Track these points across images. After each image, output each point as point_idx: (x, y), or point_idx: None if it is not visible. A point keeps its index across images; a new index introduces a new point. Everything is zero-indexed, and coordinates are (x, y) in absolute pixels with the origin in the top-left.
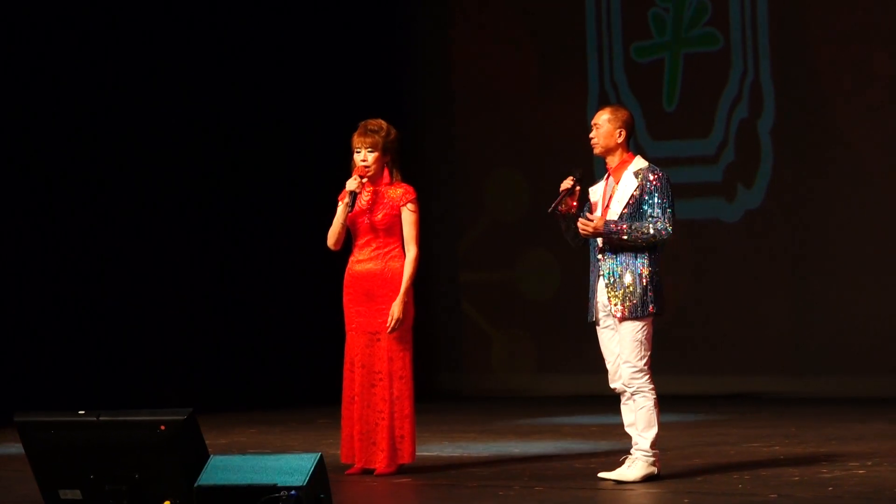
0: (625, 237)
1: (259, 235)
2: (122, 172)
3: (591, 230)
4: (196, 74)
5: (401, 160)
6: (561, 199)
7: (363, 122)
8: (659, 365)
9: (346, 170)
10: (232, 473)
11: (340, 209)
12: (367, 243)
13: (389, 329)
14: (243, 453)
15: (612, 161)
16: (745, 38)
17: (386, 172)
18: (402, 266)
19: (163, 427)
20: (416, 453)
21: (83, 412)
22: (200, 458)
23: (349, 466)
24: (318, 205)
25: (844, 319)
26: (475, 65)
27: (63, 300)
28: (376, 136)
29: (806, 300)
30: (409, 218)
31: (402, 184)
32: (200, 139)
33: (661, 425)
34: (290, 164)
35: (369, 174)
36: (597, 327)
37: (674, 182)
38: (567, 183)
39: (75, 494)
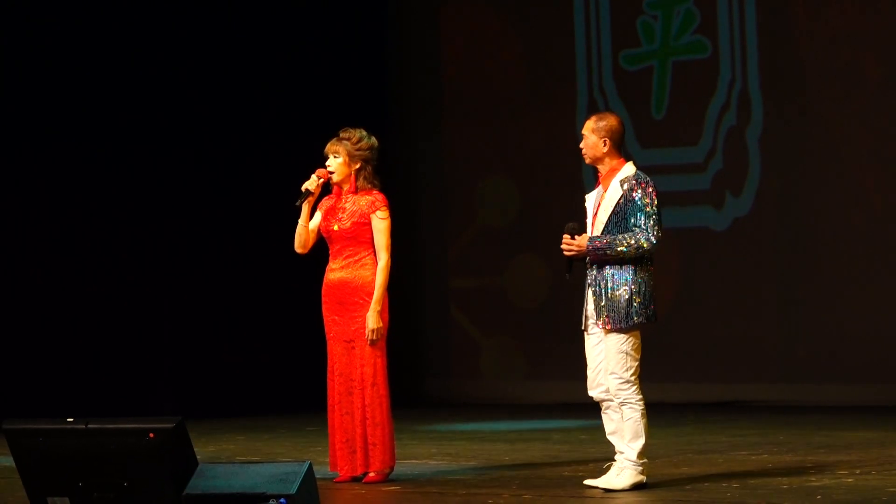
0: (609, 252)
1: (248, 242)
2: (111, 181)
3: (575, 250)
4: (179, 84)
5: (374, 169)
6: (571, 263)
7: (341, 130)
8: (647, 373)
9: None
10: (220, 482)
11: (302, 213)
12: (339, 252)
13: (369, 340)
14: (232, 461)
15: (603, 169)
16: (733, 45)
17: (352, 180)
18: (373, 274)
19: (152, 435)
20: (401, 460)
21: (72, 420)
22: (189, 466)
23: (337, 475)
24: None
25: (833, 328)
26: (465, 72)
27: (52, 307)
28: (343, 144)
29: (794, 308)
30: (378, 225)
31: (372, 191)
32: (188, 149)
33: (648, 435)
34: (278, 172)
35: (332, 178)
36: (585, 334)
37: (662, 190)
38: (567, 246)
39: (64, 502)
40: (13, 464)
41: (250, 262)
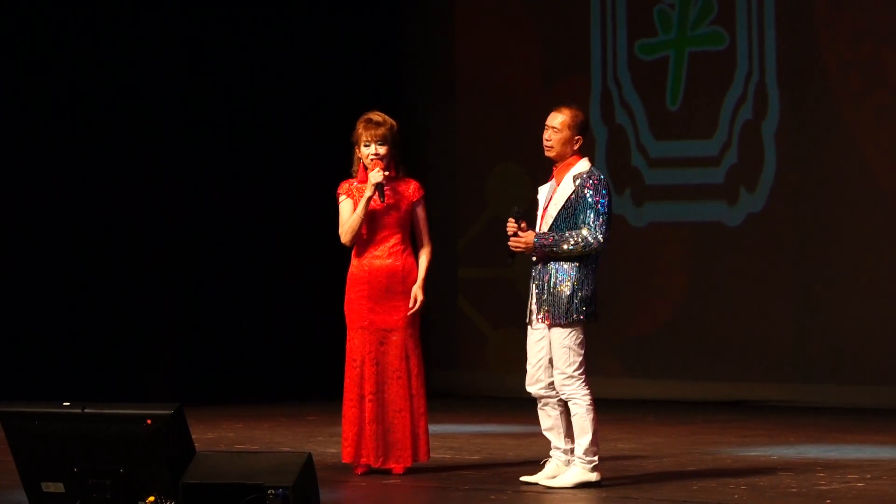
0: (555, 249)
1: (247, 230)
2: (113, 163)
3: (522, 246)
4: (193, 67)
5: (418, 160)
6: (513, 249)
7: (366, 116)
8: (656, 370)
9: (346, 164)
10: (218, 470)
11: (361, 203)
12: (385, 239)
13: (412, 311)
14: (230, 450)
15: (560, 163)
16: (751, 37)
17: (393, 166)
18: (415, 262)
19: (149, 421)
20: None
21: (68, 404)
22: (187, 453)
23: (349, 466)
24: (311, 199)
25: (847, 328)
26: (478, 59)
27: (50, 290)
28: (383, 129)
29: (807, 307)
30: (423, 214)
31: (410, 179)
32: (195, 132)
33: (597, 430)
34: (280, 156)
35: (385, 166)
36: (529, 328)
37: (675, 183)
38: (511, 228)
39: (58, 487)
40: (7, 447)
41: (251, 249)
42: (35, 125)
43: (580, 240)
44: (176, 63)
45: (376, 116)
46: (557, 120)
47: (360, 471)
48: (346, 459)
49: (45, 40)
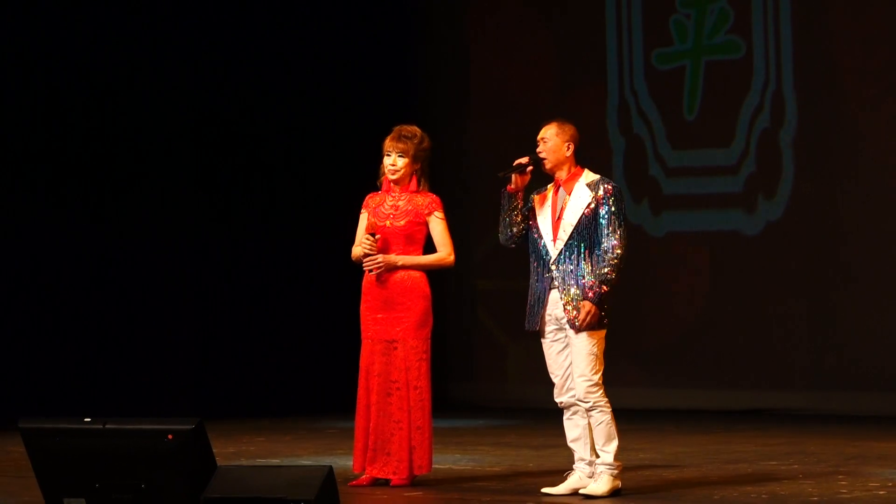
0: (606, 287)
1: (268, 243)
2: (129, 177)
3: (591, 319)
4: (202, 78)
5: (430, 169)
6: (513, 170)
7: (398, 127)
8: (677, 379)
9: (361, 175)
10: (240, 484)
11: (356, 251)
12: (387, 251)
13: (374, 264)
14: (252, 464)
15: (562, 174)
16: (767, 46)
17: (413, 180)
18: (423, 275)
19: (170, 436)
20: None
21: (89, 419)
22: (208, 468)
23: (359, 476)
24: (329, 212)
25: (867, 335)
26: (493, 70)
27: (71, 306)
28: (409, 143)
29: (827, 315)
30: (437, 225)
31: (429, 193)
32: (211, 144)
33: (620, 437)
34: (299, 169)
35: (396, 178)
36: (542, 339)
37: (693, 193)
38: (523, 159)
39: (80, 503)
40: (29, 462)
41: (272, 262)
42: (53, 144)
43: (613, 261)
44: (188, 83)
45: (406, 130)
46: (546, 132)
47: (358, 481)
48: (355, 469)
49: (51, 55)
